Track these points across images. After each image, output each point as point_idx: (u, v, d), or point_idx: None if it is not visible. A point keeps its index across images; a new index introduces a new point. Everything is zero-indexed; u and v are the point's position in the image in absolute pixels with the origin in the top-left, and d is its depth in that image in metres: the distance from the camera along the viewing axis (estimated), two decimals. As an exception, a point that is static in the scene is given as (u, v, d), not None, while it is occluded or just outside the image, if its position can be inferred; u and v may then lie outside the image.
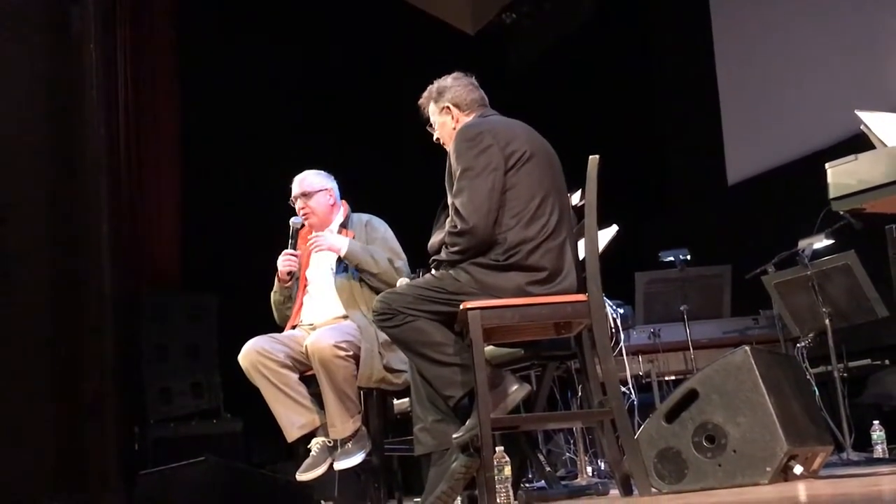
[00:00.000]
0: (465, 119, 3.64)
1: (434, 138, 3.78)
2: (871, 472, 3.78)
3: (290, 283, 4.39)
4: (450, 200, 3.51)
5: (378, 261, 4.25)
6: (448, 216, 3.53)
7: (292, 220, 4.41)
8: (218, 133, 7.67)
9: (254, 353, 4.09)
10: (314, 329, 4.24)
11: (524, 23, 9.18)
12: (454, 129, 3.64)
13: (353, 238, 4.40)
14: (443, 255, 3.45)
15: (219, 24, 7.97)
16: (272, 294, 4.46)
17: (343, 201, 4.58)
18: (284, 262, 4.33)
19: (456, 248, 3.39)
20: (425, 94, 3.77)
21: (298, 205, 4.46)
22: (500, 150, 3.40)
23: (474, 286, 3.33)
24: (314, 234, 4.36)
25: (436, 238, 3.61)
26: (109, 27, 7.01)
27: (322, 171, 4.58)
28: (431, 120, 3.76)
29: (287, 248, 4.37)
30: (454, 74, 3.74)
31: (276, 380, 4.08)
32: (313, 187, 4.47)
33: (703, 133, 8.04)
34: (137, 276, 7.08)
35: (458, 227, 3.37)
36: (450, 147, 3.56)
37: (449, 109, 3.68)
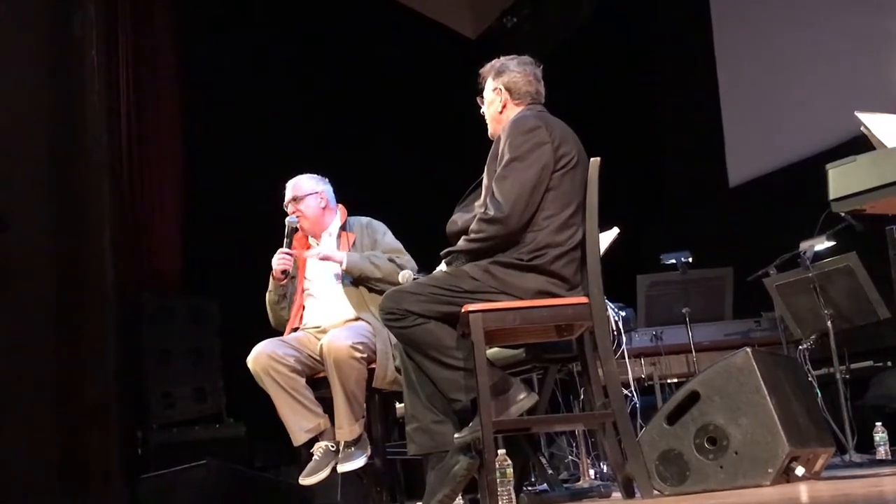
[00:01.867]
0: (513, 107, 3.60)
1: (480, 111, 3.74)
2: (874, 473, 3.78)
3: (285, 282, 4.41)
4: (485, 184, 3.49)
5: (379, 265, 4.26)
6: (476, 198, 3.51)
7: (288, 219, 4.44)
8: (219, 137, 7.69)
9: (264, 356, 4.09)
10: (322, 332, 4.25)
11: (524, 26, 9.19)
12: (500, 112, 3.62)
13: (355, 240, 4.41)
14: (461, 244, 3.41)
15: (220, 29, 7.99)
16: (267, 294, 4.48)
17: (340, 205, 4.59)
18: (280, 260, 4.35)
19: (481, 236, 3.35)
20: (488, 66, 3.70)
21: (290, 209, 4.49)
22: (554, 149, 3.37)
23: (494, 285, 3.30)
24: (312, 249, 4.37)
25: (459, 218, 3.56)
26: (111, 33, 7.03)
27: (315, 175, 4.60)
28: (484, 93, 3.71)
29: (282, 246, 4.38)
30: (522, 58, 3.68)
31: (286, 384, 4.09)
32: (303, 191, 4.50)
33: (703, 135, 8.04)
34: (139, 280, 7.08)
35: (492, 213, 3.33)
36: (497, 127, 3.54)
37: (500, 92, 3.63)
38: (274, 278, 4.39)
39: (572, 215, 3.38)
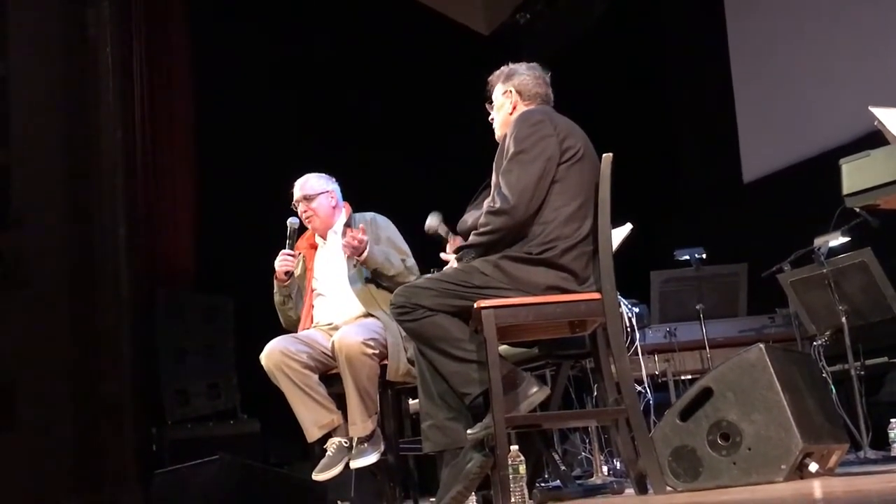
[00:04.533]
0: (523, 108, 3.62)
1: (490, 118, 3.76)
2: (888, 469, 3.76)
3: (287, 283, 4.41)
4: (493, 182, 3.50)
5: (394, 263, 4.27)
6: (487, 198, 3.52)
7: (289, 220, 4.42)
8: (233, 135, 7.70)
9: (277, 353, 4.10)
10: (334, 328, 4.26)
11: (538, 23, 9.17)
12: (510, 114, 3.63)
13: None
14: (471, 238, 3.42)
15: (233, 26, 8.00)
16: (274, 296, 4.48)
17: (345, 203, 4.59)
18: (282, 262, 4.35)
19: (489, 228, 3.36)
20: (497, 72, 3.73)
21: (301, 208, 4.48)
22: (559, 141, 3.39)
23: (504, 280, 3.31)
24: (345, 241, 4.29)
25: (470, 216, 3.58)
26: (125, 31, 7.05)
27: (323, 174, 4.59)
28: (493, 99, 3.74)
29: (284, 247, 4.37)
30: (531, 64, 3.71)
31: (299, 380, 4.10)
32: (315, 190, 4.50)
33: (718, 131, 8.02)
34: (153, 277, 7.11)
35: (498, 204, 3.35)
36: (506, 130, 3.53)
37: (510, 94, 3.65)
38: (277, 279, 4.40)
39: (579, 208, 3.39)
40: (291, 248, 4.38)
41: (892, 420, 4.71)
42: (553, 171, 3.37)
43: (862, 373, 4.90)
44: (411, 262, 4.36)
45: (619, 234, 4.39)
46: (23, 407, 5.82)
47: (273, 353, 4.11)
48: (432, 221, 4.01)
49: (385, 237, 4.44)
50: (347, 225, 4.48)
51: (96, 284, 6.41)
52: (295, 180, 4.59)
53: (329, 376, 4.19)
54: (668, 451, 3.38)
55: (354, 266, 4.36)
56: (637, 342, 5.07)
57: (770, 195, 7.27)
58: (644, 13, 8.71)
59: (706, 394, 3.37)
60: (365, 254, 4.22)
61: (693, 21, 8.52)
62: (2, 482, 5.59)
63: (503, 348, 3.61)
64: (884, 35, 6.47)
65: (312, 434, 4.13)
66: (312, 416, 4.11)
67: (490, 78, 3.75)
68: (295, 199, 4.51)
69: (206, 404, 6.74)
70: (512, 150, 3.39)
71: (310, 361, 4.13)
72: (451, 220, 3.68)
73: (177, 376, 6.69)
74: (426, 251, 4.45)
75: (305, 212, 4.47)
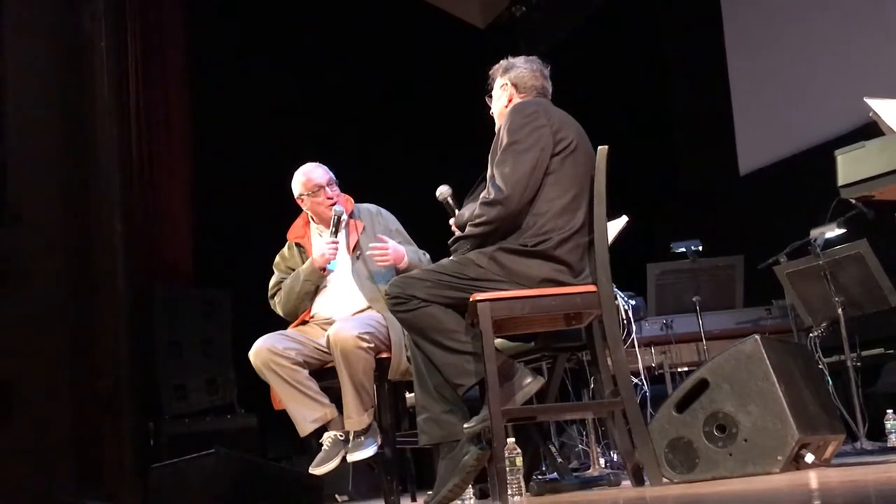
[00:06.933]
0: (518, 100, 3.63)
1: (490, 112, 3.77)
2: (884, 460, 3.77)
3: (326, 273, 4.34)
4: (488, 174, 3.51)
5: (422, 260, 4.27)
6: (484, 190, 3.52)
7: (335, 207, 4.34)
8: (229, 129, 7.70)
9: (265, 351, 4.09)
10: (331, 323, 4.24)
11: (534, 15, 9.18)
12: (506, 106, 3.65)
13: (364, 227, 4.40)
14: (466, 230, 3.43)
15: (229, 19, 8.00)
16: (297, 284, 4.34)
17: (346, 195, 4.57)
18: (331, 249, 4.28)
19: (483, 219, 3.37)
20: (497, 65, 3.76)
21: (327, 193, 4.40)
22: (552, 132, 3.40)
23: (499, 273, 3.32)
24: (378, 248, 4.22)
25: (466, 210, 3.58)
26: (120, 26, 7.05)
27: None
28: (493, 91, 3.76)
29: (332, 236, 4.32)
30: (531, 58, 3.74)
31: (288, 377, 4.08)
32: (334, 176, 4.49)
33: (714, 123, 8.02)
34: (150, 272, 7.10)
35: (492, 196, 3.36)
36: (501, 121, 3.55)
37: (507, 87, 3.68)
38: (319, 269, 4.30)
39: (573, 200, 3.40)
40: (335, 235, 4.33)
41: (889, 411, 4.73)
42: (546, 161, 3.38)
43: (858, 364, 4.90)
44: (428, 256, 4.36)
45: (615, 226, 4.39)
46: (21, 402, 5.82)
47: (261, 350, 4.09)
48: (444, 190, 3.93)
49: (394, 229, 4.43)
50: (351, 216, 4.47)
51: (94, 280, 6.42)
52: (292, 174, 4.55)
53: (324, 371, 4.18)
54: (665, 443, 3.39)
55: (358, 258, 4.34)
56: (633, 334, 5.05)
57: (766, 187, 7.28)
58: (641, 5, 8.71)
59: (702, 385, 3.38)
60: (405, 260, 4.22)
61: (689, 13, 8.51)
62: (0, 477, 5.59)
63: (499, 341, 3.62)
64: (880, 26, 6.47)
65: (305, 429, 4.12)
66: (303, 412, 4.09)
67: (490, 72, 3.78)
68: (323, 181, 4.41)
69: (203, 399, 6.74)
70: (506, 141, 3.40)
71: (299, 358, 4.10)
72: (448, 215, 3.68)
73: (174, 371, 6.69)
74: (425, 245, 4.46)
75: (330, 197, 4.40)
